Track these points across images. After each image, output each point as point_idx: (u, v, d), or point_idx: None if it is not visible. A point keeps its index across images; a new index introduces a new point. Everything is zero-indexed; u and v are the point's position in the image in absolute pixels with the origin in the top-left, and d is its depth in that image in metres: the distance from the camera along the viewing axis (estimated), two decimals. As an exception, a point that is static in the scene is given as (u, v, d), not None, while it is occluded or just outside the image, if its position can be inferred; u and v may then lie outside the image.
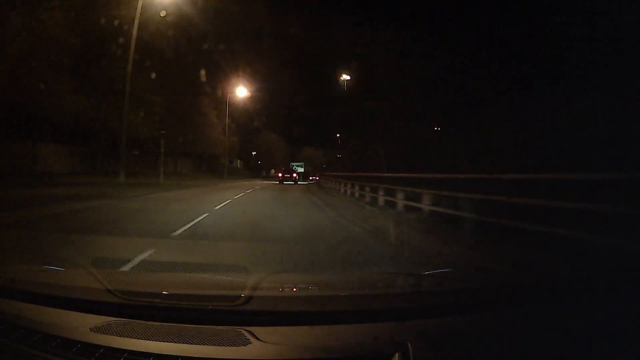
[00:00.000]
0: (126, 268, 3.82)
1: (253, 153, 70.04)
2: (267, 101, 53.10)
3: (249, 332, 1.26)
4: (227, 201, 13.48)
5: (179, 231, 6.84)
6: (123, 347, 1.23)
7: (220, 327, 1.31)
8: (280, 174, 44.00)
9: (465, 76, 20.72)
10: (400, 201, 10.62)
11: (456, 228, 7.19)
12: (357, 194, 16.75)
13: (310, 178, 54.64)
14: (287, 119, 64.54)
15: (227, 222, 8.70)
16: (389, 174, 14.16)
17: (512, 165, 13.19)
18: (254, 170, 68.30)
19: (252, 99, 47.27)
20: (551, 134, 15.22)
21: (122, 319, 1.39)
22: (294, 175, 44.50)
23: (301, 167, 64.13)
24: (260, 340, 1.23)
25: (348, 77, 32.02)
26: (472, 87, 20.66)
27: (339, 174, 24.00)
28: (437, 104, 22.77)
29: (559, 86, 15.35)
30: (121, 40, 19.76)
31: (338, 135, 52.15)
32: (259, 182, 37.90)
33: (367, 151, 28.79)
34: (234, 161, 64.57)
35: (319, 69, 43.14)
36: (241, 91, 43.50)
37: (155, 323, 1.35)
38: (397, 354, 1.17)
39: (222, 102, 40.54)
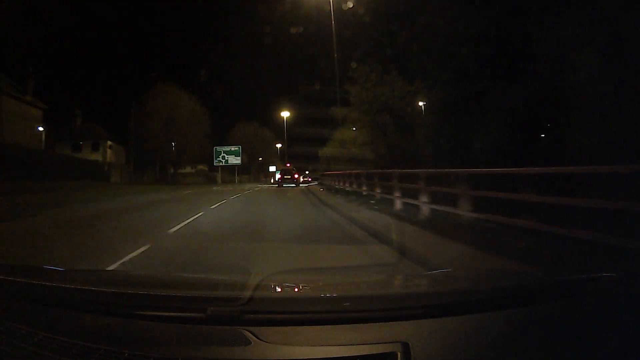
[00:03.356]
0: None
1: (173, 144, 37.72)
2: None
3: (250, 332, 1.26)
4: None
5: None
6: (123, 348, 1.23)
7: (221, 327, 1.31)
8: (279, 175, 37.44)
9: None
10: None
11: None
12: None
13: (303, 179, 41.45)
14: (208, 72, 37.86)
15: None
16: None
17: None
18: (147, 165, 37.93)
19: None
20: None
21: (122, 319, 1.39)
22: (296, 176, 37.14)
23: (237, 157, 45.21)
24: (261, 340, 1.23)
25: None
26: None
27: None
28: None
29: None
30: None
31: (284, 114, 38.29)
32: None
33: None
34: (102, 149, 34.94)
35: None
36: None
37: (155, 323, 1.35)
38: (397, 354, 1.17)
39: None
